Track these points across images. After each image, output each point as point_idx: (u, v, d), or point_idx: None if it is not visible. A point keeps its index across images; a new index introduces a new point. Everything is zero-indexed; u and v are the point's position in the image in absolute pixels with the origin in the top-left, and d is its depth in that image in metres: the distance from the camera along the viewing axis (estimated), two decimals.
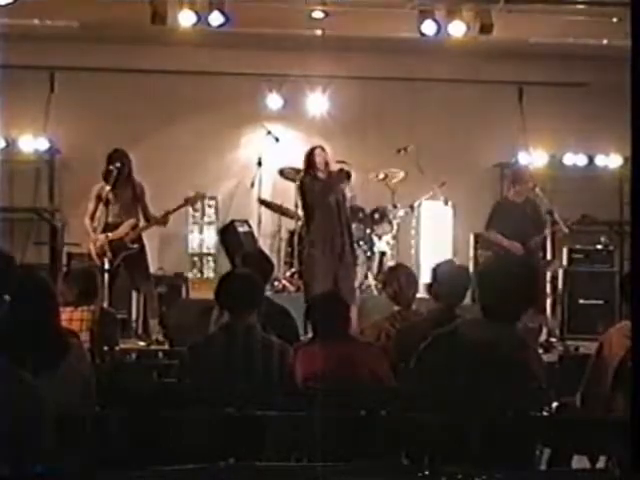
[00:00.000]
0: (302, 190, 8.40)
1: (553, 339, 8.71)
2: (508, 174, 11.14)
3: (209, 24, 9.10)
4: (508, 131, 11.00)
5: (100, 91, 10.74)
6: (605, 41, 10.24)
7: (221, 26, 9.06)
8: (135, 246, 8.35)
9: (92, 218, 8.30)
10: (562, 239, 9.44)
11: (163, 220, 8.54)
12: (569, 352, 7.83)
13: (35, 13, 9.77)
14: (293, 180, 9.90)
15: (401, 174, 9.93)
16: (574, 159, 11.19)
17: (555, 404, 4.31)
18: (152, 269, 8.86)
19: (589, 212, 10.44)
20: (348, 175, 9.07)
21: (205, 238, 10.70)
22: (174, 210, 8.53)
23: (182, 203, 8.62)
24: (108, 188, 8.20)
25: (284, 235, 10.11)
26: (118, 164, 8.22)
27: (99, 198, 8.29)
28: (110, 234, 8.23)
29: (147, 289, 8.55)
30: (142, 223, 8.45)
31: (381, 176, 10.03)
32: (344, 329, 4.88)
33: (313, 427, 3.48)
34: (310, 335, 5.13)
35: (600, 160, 11.20)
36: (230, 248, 9.82)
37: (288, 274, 9.55)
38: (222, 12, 9.00)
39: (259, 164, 9.94)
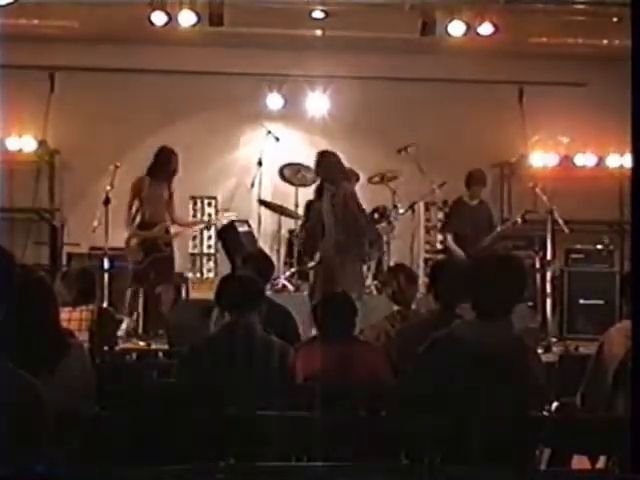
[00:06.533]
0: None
1: (553, 339, 8.72)
2: (508, 173, 11.20)
3: (211, 24, 9.18)
4: (508, 131, 10.99)
5: (100, 91, 10.74)
6: (605, 41, 10.24)
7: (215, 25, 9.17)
8: (167, 249, 8.49)
9: (130, 211, 8.43)
10: (562, 239, 9.46)
11: (208, 224, 9.04)
12: (569, 352, 7.83)
13: (35, 13, 9.78)
14: (292, 182, 9.92)
15: (401, 174, 9.93)
16: (573, 159, 11.18)
17: (555, 404, 4.31)
18: None
19: (589, 212, 10.46)
20: (357, 178, 9.21)
21: (205, 238, 10.69)
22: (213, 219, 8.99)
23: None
24: (149, 185, 8.37)
25: (284, 235, 10.11)
26: (172, 164, 8.41)
27: (139, 192, 8.40)
28: (144, 232, 8.42)
29: (165, 290, 8.64)
30: (169, 224, 8.63)
31: (381, 176, 10.04)
32: (348, 330, 4.88)
33: (313, 427, 3.48)
34: (312, 334, 5.13)
35: (599, 160, 11.19)
36: (230, 248, 9.82)
37: (288, 274, 9.55)
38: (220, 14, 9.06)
39: (259, 164, 9.94)
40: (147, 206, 8.47)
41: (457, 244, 9.13)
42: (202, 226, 9.69)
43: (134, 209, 8.52)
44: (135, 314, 8.86)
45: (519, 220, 9.12)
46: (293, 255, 9.64)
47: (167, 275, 8.69)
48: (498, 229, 9.23)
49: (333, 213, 7.93)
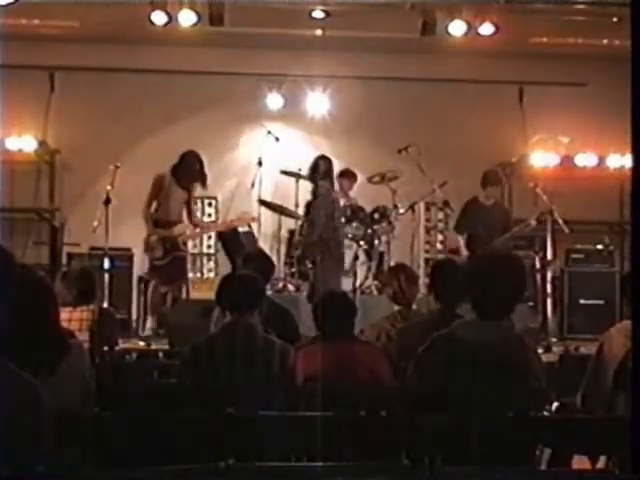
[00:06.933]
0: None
1: (553, 339, 8.72)
2: (508, 174, 11.18)
3: (212, 24, 9.22)
4: (508, 131, 11.00)
5: (100, 91, 10.75)
6: (605, 41, 10.24)
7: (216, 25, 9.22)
8: (186, 249, 8.56)
9: (149, 207, 8.47)
10: (562, 239, 9.46)
11: (225, 227, 9.19)
12: (569, 352, 7.82)
13: (35, 13, 9.78)
14: (296, 176, 9.93)
15: (401, 174, 9.92)
16: (574, 159, 11.18)
17: (555, 404, 4.31)
18: None
19: (589, 212, 10.46)
20: (355, 178, 9.33)
21: (205, 238, 10.68)
22: (234, 221, 9.07)
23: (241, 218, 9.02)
24: (170, 183, 8.43)
25: (284, 235, 10.11)
26: (196, 169, 8.51)
27: (159, 189, 8.45)
28: (165, 231, 8.43)
29: (173, 290, 8.66)
30: (187, 224, 8.72)
31: (381, 176, 10.03)
32: (348, 330, 4.87)
33: (313, 427, 3.48)
34: (312, 334, 5.13)
35: (600, 160, 11.18)
36: (230, 248, 9.83)
37: (288, 274, 9.55)
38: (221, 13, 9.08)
39: (259, 164, 9.94)
40: (164, 204, 8.51)
41: (469, 245, 9.07)
42: (221, 229, 9.68)
43: (153, 206, 8.55)
44: (157, 312, 8.80)
45: (533, 222, 9.02)
46: (293, 255, 9.65)
47: (181, 275, 8.78)
48: (515, 229, 9.11)
49: (313, 213, 8.26)
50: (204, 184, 8.67)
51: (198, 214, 10.53)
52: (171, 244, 8.49)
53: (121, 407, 3.98)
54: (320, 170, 8.48)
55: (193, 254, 10.67)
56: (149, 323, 8.63)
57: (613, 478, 3.45)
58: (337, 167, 9.34)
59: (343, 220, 8.96)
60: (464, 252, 9.06)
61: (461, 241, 9.18)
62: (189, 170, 8.50)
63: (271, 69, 10.82)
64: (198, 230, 9.09)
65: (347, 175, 9.71)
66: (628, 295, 4.35)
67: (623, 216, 10.63)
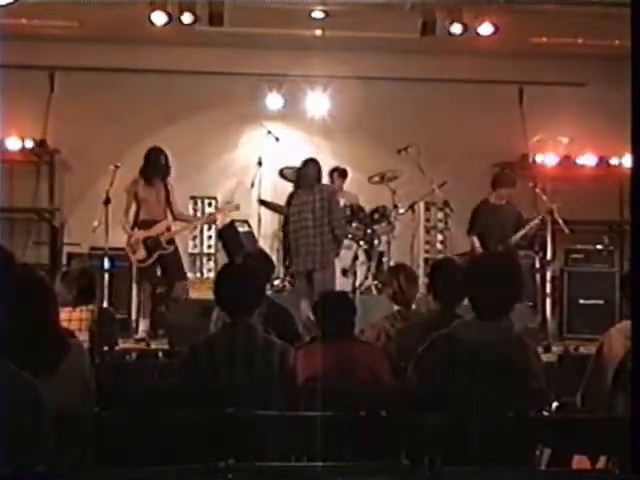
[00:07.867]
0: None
1: (553, 339, 8.71)
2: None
3: (211, 24, 9.23)
4: (508, 131, 10.99)
5: (100, 91, 10.75)
6: (605, 41, 10.24)
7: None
8: (171, 247, 8.55)
9: (127, 213, 8.50)
10: (562, 239, 9.45)
11: (210, 220, 9.34)
12: (569, 352, 7.83)
13: (35, 13, 9.78)
14: (292, 180, 9.93)
15: (401, 174, 9.91)
16: (573, 159, 11.17)
17: (555, 404, 4.31)
18: None
19: (589, 212, 10.46)
20: (343, 175, 9.35)
21: (205, 238, 10.69)
22: (216, 213, 9.21)
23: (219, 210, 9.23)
24: (143, 185, 8.48)
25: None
26: (162, 163, 8.49)
27: (134, 194, 8.50)
28: (145, 231, 8.48)
29: (182, 288, 8.66)
30: (170, 221, 8.69)
31: (381, 176, 10.03)
32: (347, 330, 4.87)
33: (313, 427, 3.48)
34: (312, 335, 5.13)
35: (599, 160, 11.18)
36: (230, 248, 9.83)
37: (288, 273, 9.54)
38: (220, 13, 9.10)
39: (259, 164, 9.93)
40: (144, 206, 8.56)
41: (484, 245, 8.98)
42: (204, 221, 9.72)
43: (132, 211, 8.59)
44: (148, 314, 8.80)
45: (541, 219, 8.93)
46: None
47: (179, 272, 8.78)
48: (527, 227, 9.02)
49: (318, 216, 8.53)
50: (164, 177, 8.60)
51: (198, 214, 10.56)
52: (154, 244, 8.50)
53: (121, 407, 3.98)
54: (301, 176, 8.56)
55: (193, 254, 10.68)
56: (142, 325, 8.64)
57: (613, 478, 3.45)
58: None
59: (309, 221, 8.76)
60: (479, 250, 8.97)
61: (476, 243, 9.07)
62: (153, 166, 8.52)
63: (271, 69, 10.82)
64: (182, 225, 9.01)
65: (336, 173, 9.72)
66: (628, 295, 4.35)
67: (623, 216, 10.64)
